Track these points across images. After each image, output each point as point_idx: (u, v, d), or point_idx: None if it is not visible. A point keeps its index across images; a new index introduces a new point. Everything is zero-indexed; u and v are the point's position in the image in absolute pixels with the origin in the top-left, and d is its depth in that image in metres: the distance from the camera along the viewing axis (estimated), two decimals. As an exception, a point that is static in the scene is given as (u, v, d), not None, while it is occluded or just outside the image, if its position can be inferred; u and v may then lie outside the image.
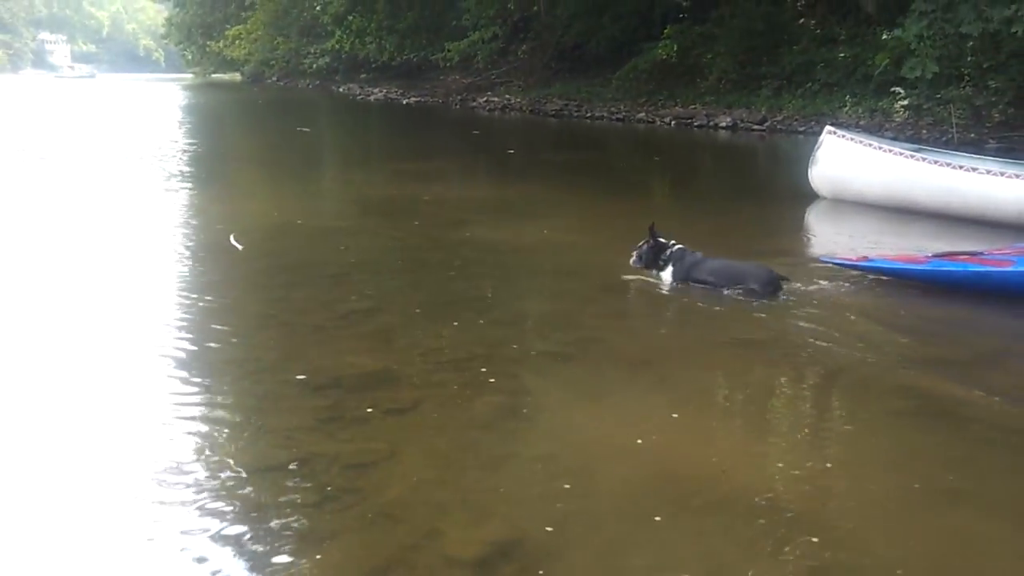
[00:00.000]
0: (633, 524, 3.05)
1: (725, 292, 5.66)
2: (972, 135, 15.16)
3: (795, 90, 21.14)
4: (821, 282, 6.12)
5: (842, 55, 20.35)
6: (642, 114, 23.84)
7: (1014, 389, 4.35)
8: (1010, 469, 3.51)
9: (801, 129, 19.08)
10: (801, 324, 5.31)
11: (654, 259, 5.89)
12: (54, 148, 15.30)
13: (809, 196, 9.61)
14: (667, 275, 5.86)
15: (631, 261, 5.98)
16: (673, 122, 22.49)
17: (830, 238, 8.04)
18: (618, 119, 24.11)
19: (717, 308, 5.57)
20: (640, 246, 5.95)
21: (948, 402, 4.16)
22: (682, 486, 3.30)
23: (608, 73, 26.27)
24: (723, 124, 21.21)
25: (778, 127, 20.05)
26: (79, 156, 14.15)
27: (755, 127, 20.48)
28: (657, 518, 3.06)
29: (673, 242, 5.92)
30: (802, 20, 23.18)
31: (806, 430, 3.91)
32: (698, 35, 24.58)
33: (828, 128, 9.89)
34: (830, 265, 6.25)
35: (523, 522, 3.04)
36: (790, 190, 10.17)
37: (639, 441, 3.65)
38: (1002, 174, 8.14)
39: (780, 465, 3.49)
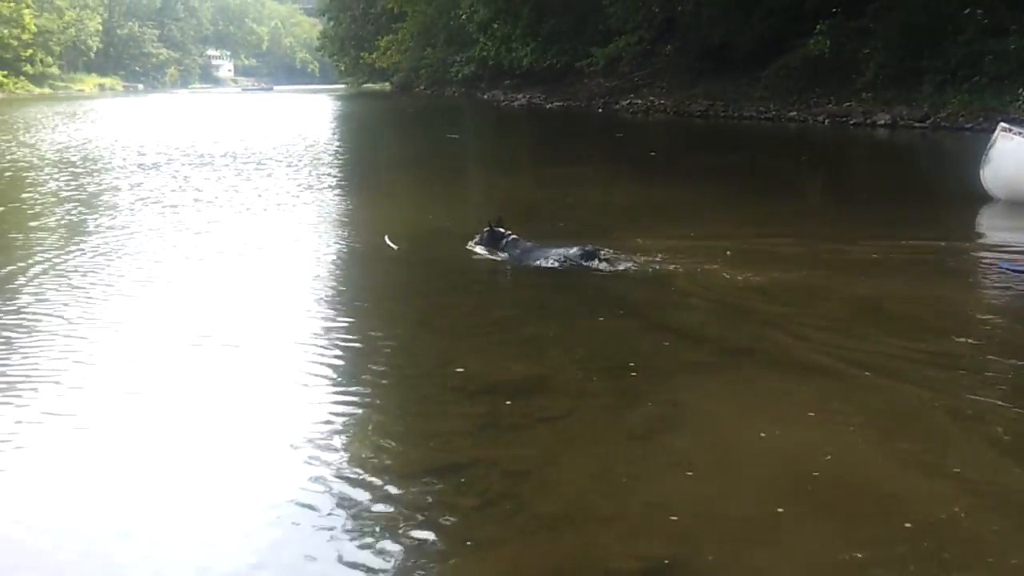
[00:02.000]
0: (797, 542, 2.95)
1: (553, 265, 6.48)
2: None
3: (960, 84, 19.92)
4: (999, 291, 5.74)
5: (1013, 47, 19.00)
6: (793, 113, 23.07)
7: None
8: None
9: (968, 126, 17.97)
10: (976, 338, 5.00)
11: (494, 244, 6.89)
12: (232, 151, 16.23)
13: (981, 198, 9.03)
14: (504, 255, 6.83)
15: (473, 243, 7.02)
16: (827, 120, 21.65)
17: (1008, 244, 7.48)
18: (767, 118, 23.43)
19: (891, 314, 5.32)
20: (481, 233, 7.03)
21: None
22: (852, 503, 3.16)
23: (756, 71, 25.55)
24: (881, 122, 20.25)
25: (942, 124, 18.95)
26: (250, 159, 14.95)
27: (916, 124, 19.45)
28: (823, 537, 2.95)
29: (509, 232, 6.92)
30: (968, 10, 21.78)
31: (1003, 446, 3.66)
32: (853, 29, 23.53)
33: (1002, 125, 9.26)
34: (1010, 273, 5.85)
35: (684, 537, 2.99)
36: (959, 192, 9.59)
37: (803, 454, 3.52)
38: None
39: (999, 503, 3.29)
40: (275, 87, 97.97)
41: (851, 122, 20.94)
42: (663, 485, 3.37)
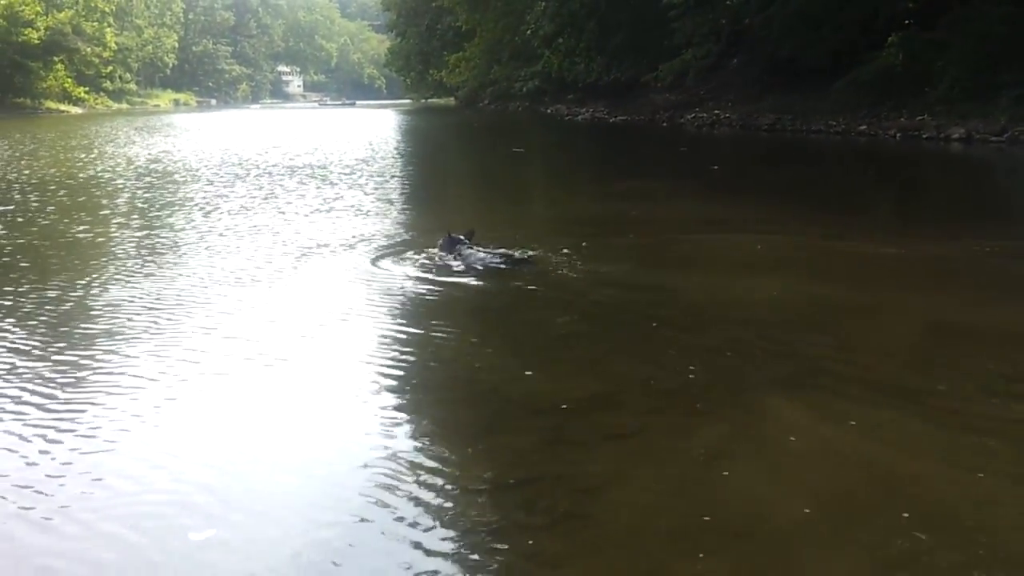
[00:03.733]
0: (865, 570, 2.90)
1: (484, 266, 7.06)
2: None
3: (1040, 97, 19.32)
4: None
5: (1099, 57, 18.40)
6: (863, 127, 22.64)
7: None
8: None
9: (1049, 140, 17.42)
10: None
11: (451, 248, 7.42)
12: (309, 162, 16.63)
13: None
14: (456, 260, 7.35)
15: (438, 246, 7.59)
16: (898, 135, 21.19)
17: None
18: (836, 132, 23.04)
19: (953, 340, 5.19)
20: (440, 240, 7.64)
21: None
22: (933, 526, 3.09)
23: (825, 85, 25.15)
24: (955, 136, 19.74)
25: (1020, 138, 18.39)
26: (323, 172, 15.28)
27: (993, 139, 18.91)
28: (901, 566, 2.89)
29: (464, 239, 7.51)
30: (1049, 20, 21.13)
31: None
32: (927, 41, 23.02)
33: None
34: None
35: (752, 559, 2.97)
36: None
37: (879, 481, 3.46)
38: None
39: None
40: (357, 102, 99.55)
41: (924, 136, 20.47)
42: (732, 506, 3.34)
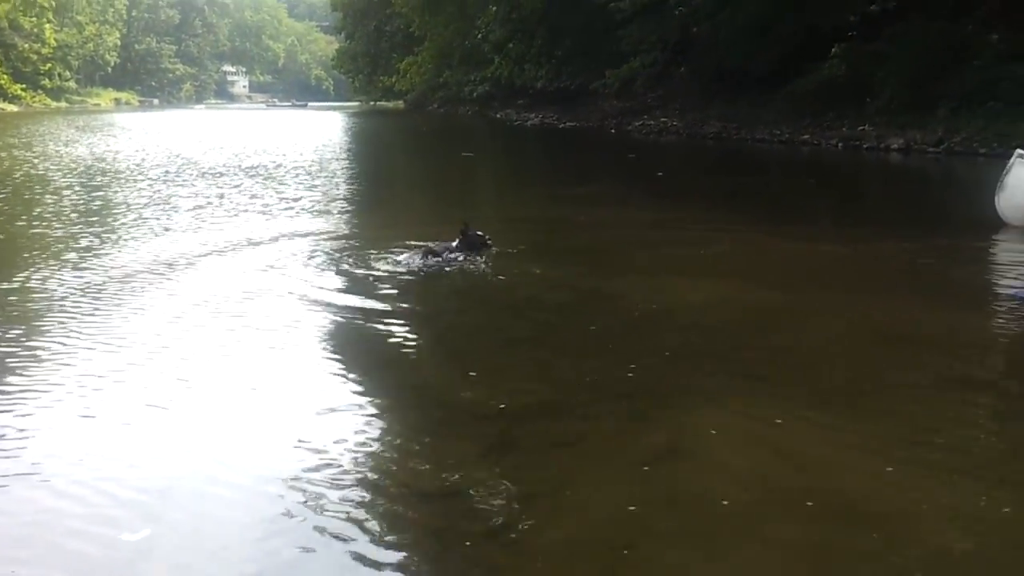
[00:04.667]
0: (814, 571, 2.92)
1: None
2: None
3: (975, 109, 19.87)
4: (1016, 320, 5.70)
5: (1030, 72, 18.99)
6: (806, 136, 23.08)
7: None
8: None
9: (982, 151, 17.92)
10: (996, 365, 4.98)
11: (468, 246, 7.48)
12: (255, 165, 16.37)
13: (996, 225, 8.99)
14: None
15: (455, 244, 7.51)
16: (840, 144, 21.64)
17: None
18: (780, 141, 23.44)
19: (904, 340, 5.30)
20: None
21: None
22: (868, 538, 3.12)
23: (770, 94, 25.59)
24: (895, 146, 20.23)
25: (956, 149, 18.91)
26: (269, 174, 15.05)
27: (930, 149, 19.42)
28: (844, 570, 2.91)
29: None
30: (982, 36, 21.78)
31: (1005, 480, 3.61)
32: (868, 54, 23.56)
33: (1018, 151, 9.21)
34: (1024, 302, 5.82)
35: (701, 567, 2.97)
36: (973, 218, 9.54)
37: (817, 480, 3.49)
38: None
39: (997, 529, 3.25)
40: (309, 103, 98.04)
41: (864, 146, 20.93)
42: (675, 511, 3.34)
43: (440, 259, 7.31)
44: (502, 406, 4.36)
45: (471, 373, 4.89)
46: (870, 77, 22.98)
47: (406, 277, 7.09)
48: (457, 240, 7.50)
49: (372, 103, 76.78)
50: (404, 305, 6.43)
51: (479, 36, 43.09)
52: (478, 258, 7.39)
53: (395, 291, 6.71)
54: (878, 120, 21.91)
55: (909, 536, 3.13)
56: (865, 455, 3.74)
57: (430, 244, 7.56)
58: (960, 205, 11.67)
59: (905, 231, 9.39)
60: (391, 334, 5.65)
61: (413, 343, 5.53)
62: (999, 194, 9.02)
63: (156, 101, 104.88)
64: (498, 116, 44.16)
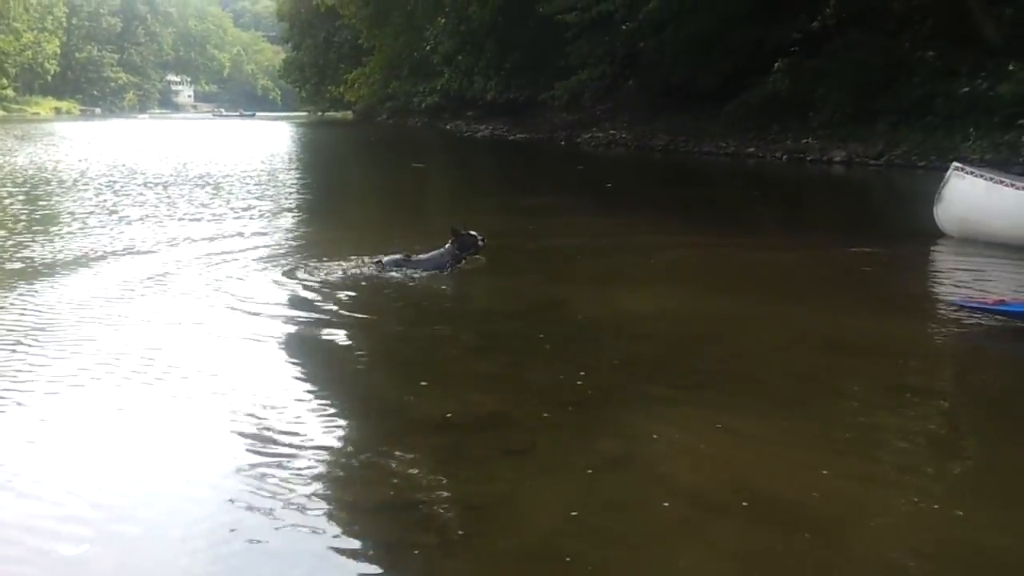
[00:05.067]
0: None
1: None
2: (1112, 170, 14.27)
3: (914, 124, 20.41)
4: (955, 327, 5.84)
5: (965, 88, 19.56)
6: (752, 149, 23.45)
7: None
8: None
9: (921, 164, 18.40)
10: (934, 373, 5.09)
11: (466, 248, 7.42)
12: (200, 175, 16.08)
13: (934, 235, 9.21)
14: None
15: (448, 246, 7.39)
16: (784, 157, 22.04)
17: (962, 280, 7.63)
18: (727, 154, 23.79)
19: (840, 352, 5.39)
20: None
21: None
22: (806, 542, 3.15)
23: (716, 108, 25.97)
24: (837, 159, 20.66)
25: (896, 162, 19.39)
26: (217, 185, 14.81)
27: (871, 162, 19.87)
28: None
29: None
30: (920, 52, 22.40)
31: (942, 481, 3.69)
32: (811, 69, 24.06)
33: (955, 164, 9.47)
34: (964, 310, 5.95)
35: (645, 574, 2.96)
36: (913, 229, 9.77)
37: (765, 488, 3.52)
38: None
39: (933, 528, 3.30)
40: (257, 113, 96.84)
41: (808, 158, 21.34)
42: (627, 520, 3.34)
43: (399, 269, 7.26)
44: (453, 416, 4.33)
45: (422, 383, 4.85)
46: (812, 92, 23.46)
47: (356, 287, 7.01)
48: (449, 242, 7.42)
49: (320, 113, 76.25)
50: (354, 315, 6.36)
51: (428, 48, 43.07)
52: (466, 260, 7.36)
53: (345, 301, 6.64)
54: (821, 133, 22.36)
55: (848, 540, 3.17)
56: (808, 462, 3.78)
57: (408, 255, 7.53)
58: (900, 216, 11.93)
59: (848, 241, 9.58)
60: (341, 344, 5.58)
61: (363, 353, 5.47)
62: (937, 205, 9.25)
63: (98, 110, 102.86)
64: (448, 127, 44.16)
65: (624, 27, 27.64)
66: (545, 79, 33.62)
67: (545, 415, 4.37)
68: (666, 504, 3.44)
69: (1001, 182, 8.81)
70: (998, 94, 16.85)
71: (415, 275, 7.23)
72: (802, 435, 4.08)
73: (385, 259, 7.45)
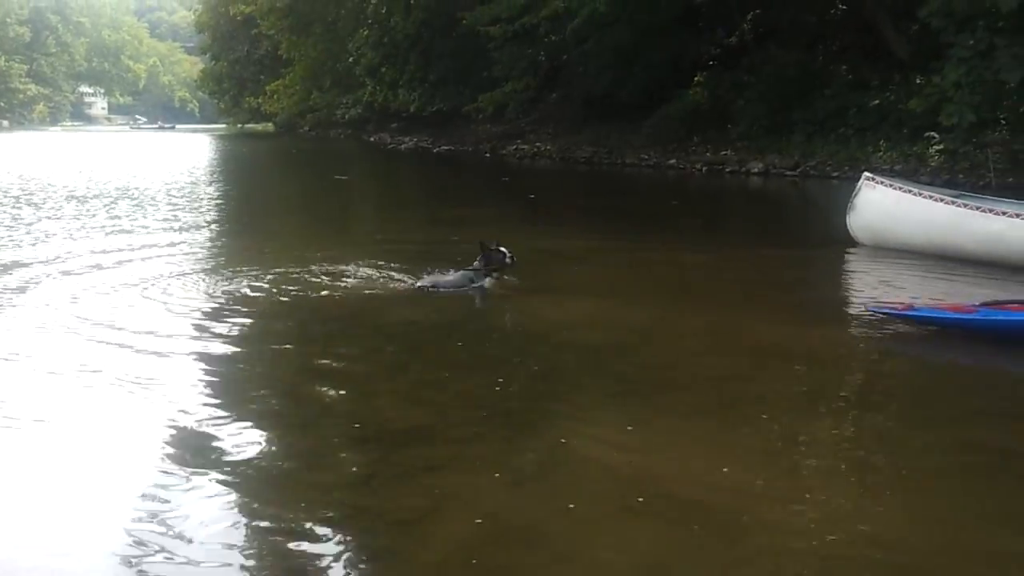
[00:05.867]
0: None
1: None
2: (1010, 179, 14.95)
3: (828, 135, 21.07)
4: (867, 332, 6.01)
5: (875, 101, 20.28)
6: (673, 160, 23.87)
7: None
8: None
9: (835, 174, 18.98)
10: (846, 375, 5.22)
11: (491, 261, 7.25)
12: (115, 189, 15.57)
13: (847, 243, 9.49)
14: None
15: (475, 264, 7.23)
16: (704, 168, 22.48)
17: (873, 287, 7.90)
18: (649, 165, 24.16)
19: (760, 357, 5.49)
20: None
21: (1003, 457, 4.02)
22: (721, 543, 3.19)
23: (639, 120, 26.38)
24: (755, 170, 21.17)
25: (811, 172, 19.97)
26: (132, 199, 14.37)
27: (787, 173, 20.42)
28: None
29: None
30: (833, 66, 23.17)
31: (856, 483, 3.78)
32: (729, 81, 24.66)
33: (866, 175, 9.79)
34: (877, 314, 6.13)
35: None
36: (827, 237, 10.05)
37: (689, 494, 3.55)
38: (1047, 220, 7.99)
39: (836, 524, 3.37)
40: (177, 126, 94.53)
41: (727, 170, 21.81)
42: (550, 531, 3.32)
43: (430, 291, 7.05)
44: (373, 431, 4.28)
45: (341, 398, 4.77)
46: (731, 105, 24.04)
47: (276, 301, 6.88)
48: (478, 260, 7.24)
49: (240, 125, 74.87)
50: (274, 329, 6.24)
51: (351, 59, 42.72)
52: (494, 278, 7.16)
53: (264, 315, 6.51)
54: (739, 145, 22.90)
55: (756, 539, 3.23)
56: (725, 464, 3.84)
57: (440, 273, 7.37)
58: (815, 224, 12.29)
59: (765, 249, 9.81)
60: (258, 360, 5.46)
61: (282, 370, 5.35)
62: (849, 214, 9.53)
63: (5, 123, 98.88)
64: (372, 139, 43.84)
65: (547, 40, 27.90)
66: (470, 91, 33.68)
67: (467, 427, 4.34)
68: (587, 512, 3.44)
69: (909, 191, 9.13)
70: (907, 107, 17.49)
71: (441, 293, 7.03)
72: (720, 439, 4.15)
73: (418, 283, 7.20)
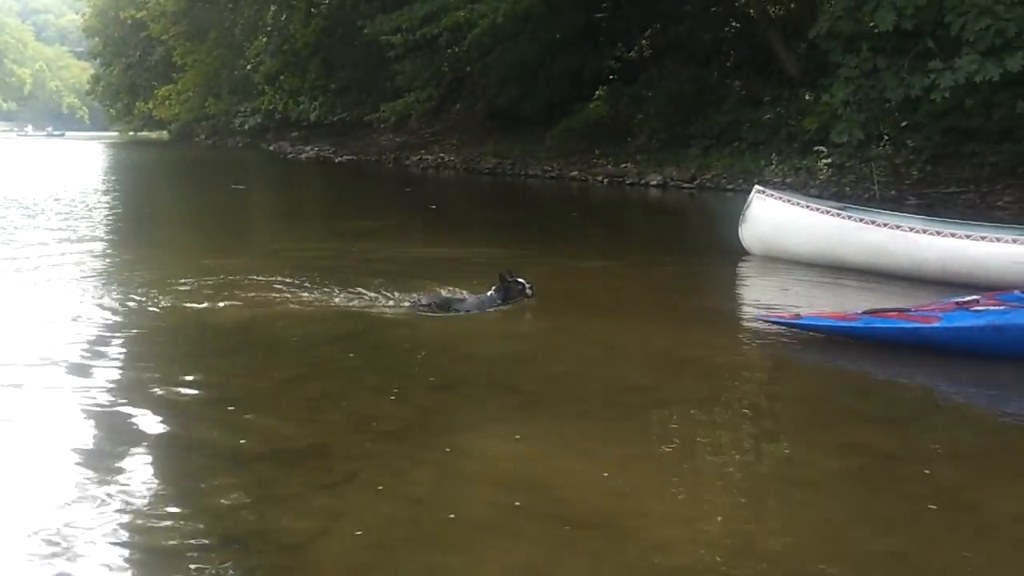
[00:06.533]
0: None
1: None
2: (892, 192, 15.68)
3: (723, 149, 21.66)
4: (757, 340, 6.18)
5: (768, 116, 20.98)
6: (575, 172, 24.14)
7: (947, 445, 4.40)
8: (947, 529, 3.49)
9: (729, 187, 19.51)
10: (737, 382, 5.35)
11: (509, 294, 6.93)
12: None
13: (740, 253, 9.76)
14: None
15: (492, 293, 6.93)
16: (605, 180, 22.81)
17: (763, 296, 8.15)
18: (552, 177, 24.38)
19: (655, 366, 5.59)
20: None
21: (884, 461, 4.17)
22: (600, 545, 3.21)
23: (542, 132, 26.62)
24: (654, 182, 21.59)
25: (707, 185, 20.48)
26: (15, 208, 13.68)
27: (685, 185, 20.89)
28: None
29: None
30: (728, 82, 23.88)
31: (740, 486, 3.87)
32: (629, 95, 25.12)
33: (757, 187, 10.10)
34: (766, 324, 6.32)
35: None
36: (721, 248, 10.32)
37: (589, 506, 3.57)
38: (924, 231, 8.38)
39: (712, 525, 3.44)
40: (67, 133, 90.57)
41: (627, 182, 22.18)
42: (444, 547, 3.29)
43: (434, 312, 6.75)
44: (266, 450, 4.16)
45: (233, 416, 4.63)
46: (631, 118, 24.49)
47: (164, 315, 6.64)
48: (493, 289, 6.93)
49: (133, 133, 72.35)
50: (161, 345, 6.02)
51: (248, 67, 41.78)
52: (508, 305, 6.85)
53: (152, 331, 6.28)
54: (639, 158, 23.32)
55: (642, 540, 3.31)
56: (615, 472, 3.91)
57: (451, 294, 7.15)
58: (710, 236, 12.59)
59: (661, 259, 10.01)
60: (145, 376, 5.25)
61: (170, 387, 5.14)
62: (742, 226, 9.80)
63: None
64: (271, 148, 42.95)
65: (451, 51, 27.91)
66: (373, 100, 33.35)
67: (365, 444, 4.27)
68: (472, 521, 3.47)
69: (797, 204, 9.46)
70: (802, 125, 18.15)
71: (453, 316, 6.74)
72: (610, 447, 4.21)
73: (423, 300, 6.92)
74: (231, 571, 3.09)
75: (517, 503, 3.61)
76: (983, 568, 3.17)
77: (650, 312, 7.08)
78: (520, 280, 6.95)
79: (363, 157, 33.42)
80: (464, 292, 7.24)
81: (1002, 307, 5.65)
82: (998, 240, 7.99)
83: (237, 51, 42.18)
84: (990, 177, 15.34)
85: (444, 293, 7.20)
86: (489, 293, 6.93)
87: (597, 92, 25.91)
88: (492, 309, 6.82)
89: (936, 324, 5.66)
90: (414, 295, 7.14)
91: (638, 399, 4.99)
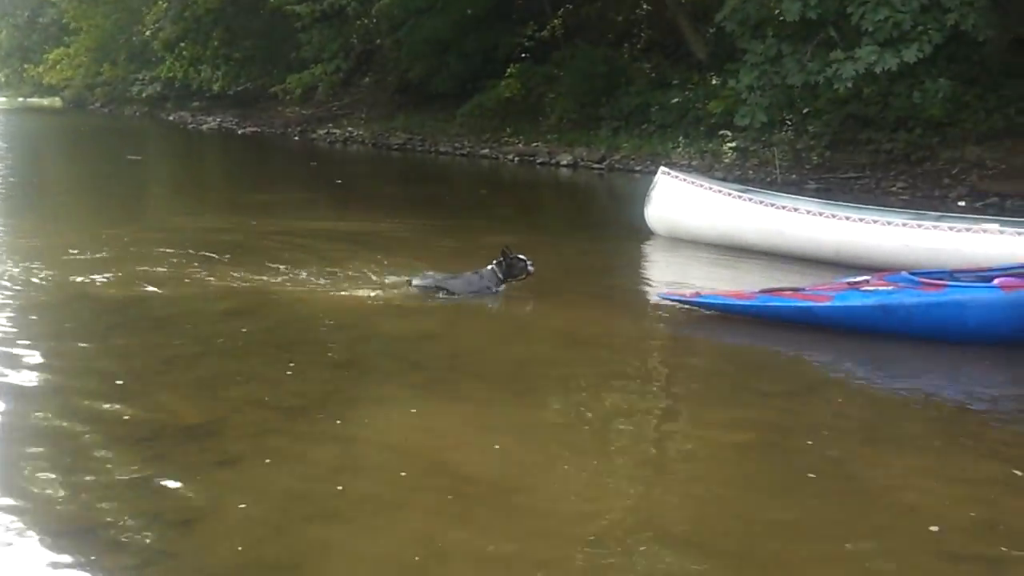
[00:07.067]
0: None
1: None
2: (793, 176, 16.12)
3: (632, 130, 21.88)
4: (659, 318, 6.29)
5: (676, 99, 21.29)
6: (486, 150, 24.05)
7: (835, 419, 4.56)
8: (832, 498, 3.62)
9: (638, 168, 19.74)
10: (638, 359, 5.44)
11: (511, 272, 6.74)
12: None
13: (645, 234, 9.88)
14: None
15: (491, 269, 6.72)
16: (516, 159, 22.80)
17: (666, 275, 8.29)
18: (462, 154, 24.24)
19: (560, 343, 5.62)
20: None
21: (776, 434, 4.30)
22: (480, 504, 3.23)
23: (453, 108, 26.38)
24: (564, 162, 21.68)
25: (616, 166, 20.68)
26: None
27: (594, 165, 21.03)
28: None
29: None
30: (637, 64, 24.11)
31: (638, 459, 3.94)
32: (541, 75, 25.12)
33: (662, 169, 10.23)
34: (668, 302, 6.42)
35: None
36: (627, 228, 10.43)
37: (490, 483, 3.57)
38: (820, 214, 8.65)
39: (608, 496, 3.49)
40: None
41: (538, 161, 22.22)
42: (338, 526, 3.24)
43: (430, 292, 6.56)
44: (159, 428, 4.04)
45: (123, 394, 4.48)
46: (542, 97, 24.52)
47: (52, 292, 6.33)
48: (493, 264, 6.69)
49: (22, 99, 68.78)
50: (49, 323, 5.75)
51: (147, 32, 40.11)
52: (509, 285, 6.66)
53: (38, 307, 6.00)
54: (550, 137, 23.38)
55: (537, 516, 3.36)
56: (512, 445, 3.98)
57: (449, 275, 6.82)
58: (617, 216, 12.71)
59: (568, 238, 10.06)
60: (34, 357, 5.01)
61: (57, 364, 4.94)
62: (647, 207, 9.92)
63: None
64: (171, 118, 41.40)
65: (359, 23, 27.38)
66: (278, 71, 32.44)
67: (261, 422, 4.19)
68: (367, 493, 3.48)
69: (700, 186, 9.63)
70: (707, 109, 18.45)
71: (448, 298, 6.52)
72: (511, 421, 4.26)
73: (415, 280, 6.67)
74: (116, 552, 3.00)
75: (411, 476, 3.62)
76: (864, 533, 3.30)
77: (556, 290, 7.10)
78: (521, 256, 6.74)
79: (268, 130, 32.55)
80: (466, 273, 6.82)
81: (890, 287, 5.87)
82: (890, 224, 8.31)
83: (135, 15, 40.37)
84: (885, 164, 15.92)
85: (427, 275, 6.84)
86: (488, 268, 6.72)
87: (509, 70, 25.83)
88: (496, 290, 6.66)
89: (828, 303, 5.85)
90: (406, 277, 6.86)
91: (540, 375, 5.03)
